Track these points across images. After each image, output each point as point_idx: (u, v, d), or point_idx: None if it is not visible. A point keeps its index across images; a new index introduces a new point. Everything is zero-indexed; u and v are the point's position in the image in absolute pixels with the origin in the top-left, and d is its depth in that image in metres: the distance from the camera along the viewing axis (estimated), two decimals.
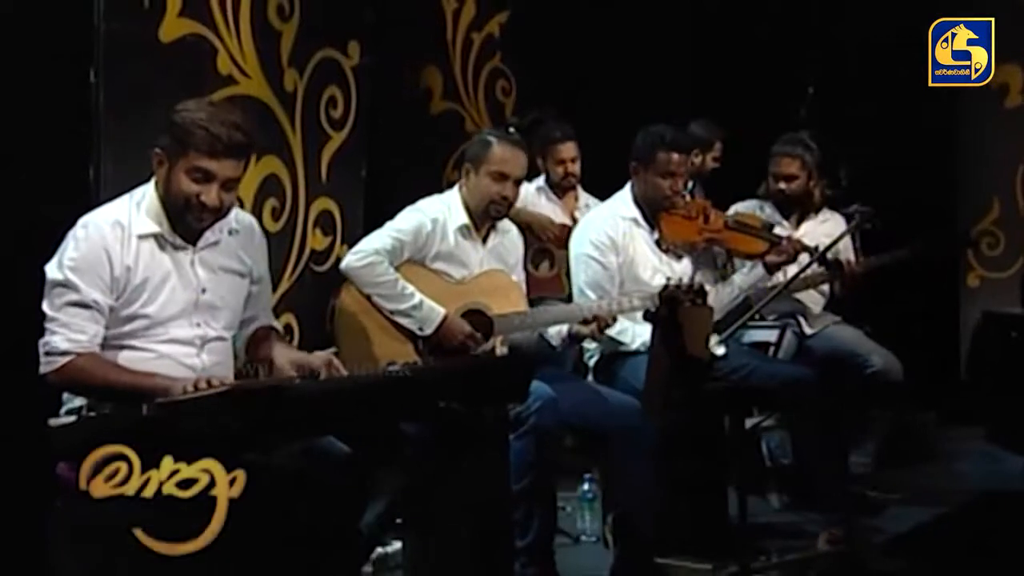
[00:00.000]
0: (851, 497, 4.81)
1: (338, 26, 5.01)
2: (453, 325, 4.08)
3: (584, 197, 5.65)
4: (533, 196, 5.60)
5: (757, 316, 5.07)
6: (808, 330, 5.34)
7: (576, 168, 5.62)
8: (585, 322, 4.19)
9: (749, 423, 4.85)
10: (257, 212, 4.59)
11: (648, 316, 3.82)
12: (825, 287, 5.38)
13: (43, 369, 3.16)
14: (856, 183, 6.33)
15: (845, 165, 6.32)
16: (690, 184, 5.50)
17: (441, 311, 4.07)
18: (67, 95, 3.97)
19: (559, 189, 5.64)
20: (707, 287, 4.74)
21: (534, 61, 6.54)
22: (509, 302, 4.19)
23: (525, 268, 5.10)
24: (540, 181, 5.68)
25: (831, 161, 6.34)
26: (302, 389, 3.14)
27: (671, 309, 3.47)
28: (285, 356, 3.40)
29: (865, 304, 6.02)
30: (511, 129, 4.40)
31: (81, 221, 3.24)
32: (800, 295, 5.30)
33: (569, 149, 5.61)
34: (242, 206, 4.50)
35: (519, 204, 5.40)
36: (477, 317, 4.14)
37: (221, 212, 3.27)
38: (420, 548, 3.83)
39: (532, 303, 4.45)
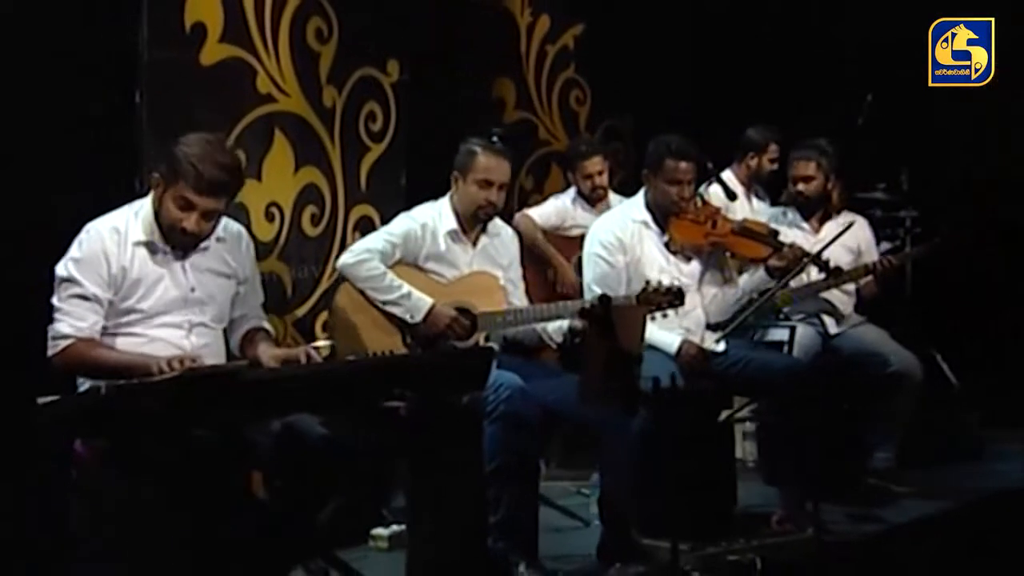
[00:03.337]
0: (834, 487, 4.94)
1: (376, 46, 5.36)
2: (439, 313, 4.40)
3: (616, 200, 5.80)
4: (569, 208, 5.84)
5: (781, 316, 5.31)
6: (832, 329, 5.51)
7: (603, 180, 5.80)
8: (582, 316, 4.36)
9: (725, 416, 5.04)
10: (296, 218, 5.04)
11: (583, 313, 4.12)
12: (851, 287, 5.54)
13: (49, 352, 3.63)
14: (927, 187, 6.45)
15: (906, 169, 6.45)
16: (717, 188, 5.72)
17: (428, 300, 4.40)
18: (115, 115, 4.49)
19: (590, 200, 5.82)
20: (714, 288, 5.02)
21: (610, 71, 6.83)
22: (492, 301, 4.49)
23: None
24: (572, 193, 5.90)
25: (892, 166, 6.49)
26: (254, 376, 3.50)
27: (605, 307, 3.74)
28: (269, 352, 3.82)
29: (937, 304, 6.16)
30: (494, 139, 4.70)
31: (85, 227, 3.71)
32: (825, 294, 5.47)
33: (595, 163, 5.80)
34: (281, 212, 5.00)
35: (557, 220, 5.75)
36: (462, 315, 4.44)
37: (200, 237, 3.71)
38: (414, 524, 4.21)
39: None
